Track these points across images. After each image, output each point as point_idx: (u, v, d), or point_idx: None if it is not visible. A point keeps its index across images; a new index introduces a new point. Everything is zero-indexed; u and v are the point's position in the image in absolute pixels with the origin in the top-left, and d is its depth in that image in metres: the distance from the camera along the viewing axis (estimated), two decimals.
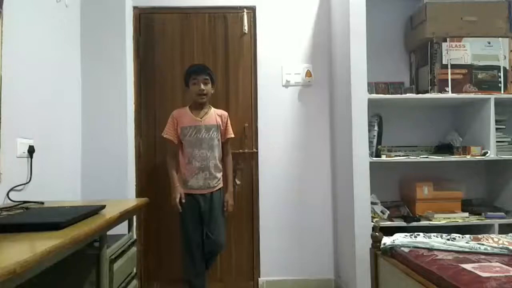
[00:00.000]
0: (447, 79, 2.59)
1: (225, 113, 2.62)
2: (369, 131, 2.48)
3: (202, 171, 2.46)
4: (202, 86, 2.47)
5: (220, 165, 2.55)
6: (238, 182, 2.94)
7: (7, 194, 1.85)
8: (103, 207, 1.54)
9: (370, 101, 2.45)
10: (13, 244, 1.03)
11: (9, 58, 1.87)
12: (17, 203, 1.77)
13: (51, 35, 2.34)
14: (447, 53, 2.60)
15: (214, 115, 2.55)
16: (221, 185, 2.56)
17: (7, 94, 1.86)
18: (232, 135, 2.62)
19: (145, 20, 2.99)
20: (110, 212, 1.50)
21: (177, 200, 2.45)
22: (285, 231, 2.95)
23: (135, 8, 2.95)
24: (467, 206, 2.65)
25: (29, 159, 2.04)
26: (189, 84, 2.52)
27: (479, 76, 2.60)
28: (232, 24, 3.01)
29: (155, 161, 2.95)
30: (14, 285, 0.86)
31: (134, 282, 1.89)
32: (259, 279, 2.92)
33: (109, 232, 1.51)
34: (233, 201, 2.61)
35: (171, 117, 2.53)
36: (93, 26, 2.75)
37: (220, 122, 2.55)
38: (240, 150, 2.95)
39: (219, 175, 2.54)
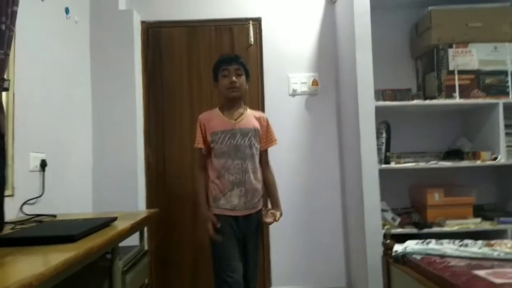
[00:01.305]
0: (454, 85, 2.59)
1: (264, 115, 2.14)
2: (377, 138, 2.48)
3: (237, 187, 1.95)
4: (234, 78, 1.98)
5: (260, 179, 2.05)
6: None
7: (21, 208, 1.88)
8: (115, 219, 1.56)
9: (378, 108, 2.45)
10: (28, 257, 1.04)
11: (21, 74, 1.92)
12: (31, 216, 1.80)
13: (62, 51, 2.40)
14: (453, 59, 2.60)
15: (252, 117, 2.06)
16: (261, 206, 2.07)
17: (20, 109, 1.90)
18: (276, 143, 2.14)
19: (152, 34, 3.04)
20: (121, 224, 1.52)
21: (211, 231, 1.92)
22: (295, 240, 2.94)
23: (143, 22, 3.00)
24: (479, 211, 2.62)
25: (42, 173, 2.08)
26: (218, 78, 2.04)
27: (487, 81, 2.60)
28: (238, 36, 3.05)
29: (164, 172, 2.97)
30: None
31: None
32: None
33: (120, 244, 1.53)
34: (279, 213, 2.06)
35: (198, 122, 2.04)
36: (102, 41, 2.80)
37: (259, 126, 2.05)
38: None
39: (260, 191, 2.04)
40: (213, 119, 2.01)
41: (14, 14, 1.71)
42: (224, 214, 1.94)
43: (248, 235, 1.98)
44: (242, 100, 2.08)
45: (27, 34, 1.99)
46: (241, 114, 2.03)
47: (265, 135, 2.09)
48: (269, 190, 2.11)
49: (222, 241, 1.90)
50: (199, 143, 2.00)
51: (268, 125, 2.11)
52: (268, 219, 1.98)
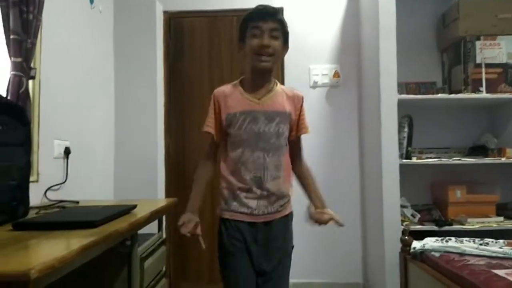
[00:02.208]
0: (481, 79, 2.51)
1: (300, 94, 1.58)
2: (399, 132, 2.44)
3: (256, 187, 1.47)
4: (266, 40, 1.43)
5: (286, 177, 1.58)
6: None
7: (45, 194, 1.94)
8: (135, 206, 1.59)
9: (400, 102, 2.40)
10: (51, 241, 1.08)
11: (47, 63, 1.97)
12: (54, 202, 1.86)
13: (86, 40, 2.44)
14: (481, 51, 2.52)
15: (282, 95, 1.52)
16: (289, 210, 1.64)
17: (45, 97, 1.95)
18: (308, 131, 1.59)
19: (174, 24, 3.06)
20: (141, 212, 1.55)
21: (180, 225, 1.43)
22: (312, 234, 2.92)
23: (165, 12, 3.02)
24: (502, 210, 2.55)
25: (65, 160, 2.13)
26: (245, 39, 1.48)
27: None
28: None
29: (183, 162, 3.01)
30: (53, 279, 0.91)
31: (164, 280, 1.94)
32: None
33: (139, 231, 1.56)
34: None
35: (212, 98, 1.53)
36: (125, 30, 2.84)
37: (292, 109, 1.52)
38: None
39: (286, 192, 1.59)
40: (231, 95, 1.50)
41: (41, 4, 1.76)
42: (236, 219, 1.47)
43: (270, 247, 1.52)
44: (273, 72, 1.55)
45: (53, 24, 2.04)
46: (269, 92, 1.50)
47: (297, 121, 1.54)
48: (308, 188, 1.67)
49: (233, 261, 1.48)
50: (209, 126, 1.49)
51: (302, 108, 1.56)
52: (325, 216, 1.59)
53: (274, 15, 1.49)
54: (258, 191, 1.47)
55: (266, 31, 1.44)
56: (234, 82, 1.56)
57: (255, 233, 1.48)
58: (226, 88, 1.54)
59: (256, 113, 1.46)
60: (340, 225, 1.57)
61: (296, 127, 1.55)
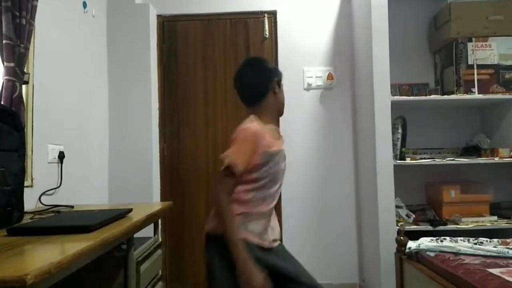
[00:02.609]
0: (473, 80, 2.54)
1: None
2: (393, 133, 2.46)
3: (275, 216, 1.67)
4: None
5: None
6: None
7: (39, 199, 1.93)
8: (130, 210, 1.59)
9: (394, 103, 2.42)
10: (47, 246, 1.07)
11: (40, 67, 1.96)
12: (49, 206, 1.85)
13: (79, 44, 2.44)
14: (472, 53, 2.55)
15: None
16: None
17: (39, 102, 1.94)
18: None
19: (168, 27, 3.06)
20: (136, 216, 1.54)
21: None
22: (308, 235, 2.94)
23: (158, 16, 3.02)
24: (495, 209, 2.57)
25: (60, 164, 2.12)
26: (274, 88, 1.66)
27: (507, 76, 2.53)
28: (253, 29, 3.04)
29: (178, 165, 3.00)
30: (49, 285, 0.90)
31: (160, 284, 1.93)
32: None
33: (135, 235, 1.56)
34: None
35: (254, 134, 1.51)
36: (118, 34, 2.84)
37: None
38: None
39: None
40: (268, 133, 1.56)
41: (34, 9, 1.75)
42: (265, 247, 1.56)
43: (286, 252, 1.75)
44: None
45: (46, 28, 2.03)
46: (279, 132, 1.70)
47: None
48: None
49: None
50: (239, 160, 1.45)
51: None
52: None
53: None
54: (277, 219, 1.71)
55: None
56: (258, 120, 1.60)
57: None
58: (263, 127, 1.58)
59: (282, 153, 1.61)
60: None
61: None
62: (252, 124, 1.55)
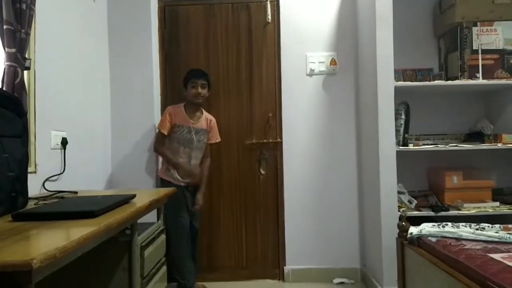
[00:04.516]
0: (478, 65, 2.51)
1: (214, 119, 2.79)
2: (396, 119, 2.44)
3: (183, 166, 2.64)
4: (200, 90, 2.61)
5: (198, 166, 2.71)
6: (262, 172, 2.96)
7: (43, 184, 1.94)
8: (134, 196, 1.60)
9: (397, 89, 2.41)
10: (52, 231, 1.09)
11: (41, 53, 1.95)
12: (53, 192, 1.86)
13: (80, 30, 2.42)
14: (477, 37, 2.51)
15: (205, 119, 2.72)
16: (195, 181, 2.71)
17: (41, 88, 1.94)
18: (218, 140, 2.80)
19: (169, 12, 3.03)
20: (140, 201, 1.55)
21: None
22: (310, 220, 2.96)
23: (159, 1, 2.99)
24: (498, 195, 2.57)
25: (63, 150, 2.13)
26: (187, 86, 2.64)
27: None
28: (255, 13, 3.01)
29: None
30: (55, 269, 0.91)
31: (164, 268, 1.96)
32: (284, 267, 2.95)
33: (139, 221, 1.57)
34: (203, 200, 2.74)
35: (167, 112, 2.63)
36: (119, 20, 2.81)
37: (209, 127, 2.73)
38: (264, 140, 2.97)
39: (196, 172, 2.69)
40: (179, 114, 2.63)
41: None
42: (175, 184, 2.58)
43: (191, 198, 2.69)
44: (202, 104, 2.70)
45: (46, 14, 2.01)
46: (199, 118, 2.69)
47: (211, 134, 2.75)
48: (202, 174, 2.73)
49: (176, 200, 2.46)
50: (163, 129, 2.60)
51: (215, 127, 2.78)
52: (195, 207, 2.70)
53: (204, 76, 2.67)
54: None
55: (199, 84, 2.63)
56: (180, 104, 2.69)
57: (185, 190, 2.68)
58: (176, 109, 2.67)
59: (190, 128, 2.64)
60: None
61: (210, 138, 2.75)
62: (170, 107, 2.72)
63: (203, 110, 2.75)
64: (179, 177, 2.62)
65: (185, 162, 2.63)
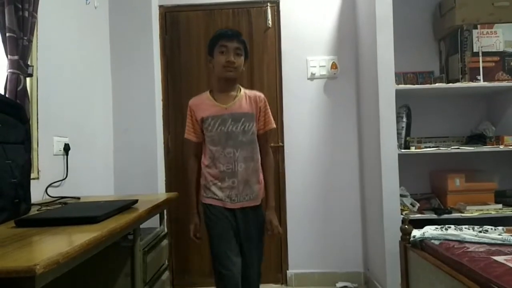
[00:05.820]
0: (479, 67, 2.51)
1: (261, 95, 1.87)
2: (397, 122, 2.45)
3: (228, 178, 1.76)
4: (232, 57, 1.74)
5: (257, 170, 1.82)
6: None
7: (46, 190, 1.95)
8: (136, 201, 1.60)
9: (398, 92, 2.41)
10: (55, 237, 1.09)
11: (44, 60, 1.96)
12: (55, 198, 1.87)
13: (82, 36, 2.43)
14: (478, 40, 2.52)
15: (246, 99, 1.82)
16: (259, 201, 1.84)
17: (43, 94, 1.95)
18: (273, 126, 1.88)
19: (170, 18, 3.05)
20: (142, 206, 1.55)
21: (191, 233, 1.88)
22: (313, 224, 2.96)
23: (160, 6, 3.01)
24: (500, 197, 2.57)
25: (65, 156, 2.14)
26: (213, 54, 1.79)
27: None
28: (256, 18, 3.02)
29: (182, 157, 3.01)
30: (58, 275, 0.92)
31: (166, 273, 1.95)
32: (287, 271, 2.95)
33: (141, 226, 1.57)
34: (277, 220, 1.86)
35: (188, 108, 1.85)
36: (121, 26, 2.83)
37: (255, 109, 1.82)
38: None
39: (256, 183, 1.81)
40: (203, 103, 1.81)
41: (36, 1, 1.75)
42: (216, 205, 1.77)
43: (245, 230, 1.78)
44: (237, 82, 1.85)
45: (48, 21, 2.03)
46: (234, 98, 1.80)
47: (263, 118, 1.85)
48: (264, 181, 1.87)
49: (218, 231, 1.75)
50: (189, 134, 1.83)
51: (265, 106, 1.86)
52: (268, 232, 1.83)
53: (238, 37, 1.79)
54: (231, 182, 1.76)
55: (232, 49, 1.75)
56: (204, 92, 1.87)
57: (235, 217, 1.78)
58: (197, 98, 1.86)
59: (224, 117, 1.76)
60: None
61: (263, 124, 1.86)
62: (192, 99, 1.90)
63: (241, 87, 1.87)
64: (222, 195, 1.77)
65: (226, 171, 1.75)
